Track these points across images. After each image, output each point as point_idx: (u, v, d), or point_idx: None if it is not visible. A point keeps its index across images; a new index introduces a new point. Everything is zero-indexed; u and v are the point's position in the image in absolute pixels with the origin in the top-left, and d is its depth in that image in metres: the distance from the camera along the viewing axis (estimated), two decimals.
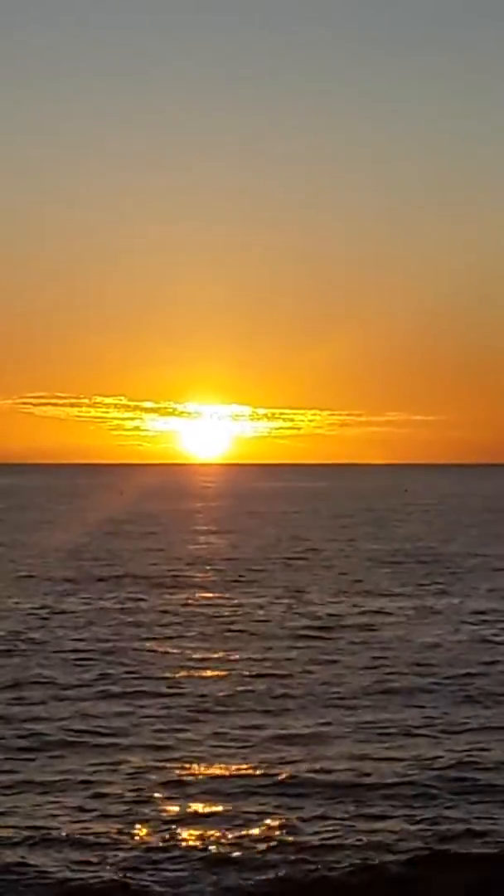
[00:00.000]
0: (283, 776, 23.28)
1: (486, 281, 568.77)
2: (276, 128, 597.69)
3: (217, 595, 52.93)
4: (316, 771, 23.67)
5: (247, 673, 34.01)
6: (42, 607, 47.98)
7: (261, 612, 47.09)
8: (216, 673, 34.15)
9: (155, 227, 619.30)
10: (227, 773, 23.69)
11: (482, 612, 47.22)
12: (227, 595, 52.78)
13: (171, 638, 40.53)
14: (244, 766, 24.01)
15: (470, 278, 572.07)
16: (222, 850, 19.37)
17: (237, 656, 36.78)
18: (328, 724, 27.79)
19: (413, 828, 20.48)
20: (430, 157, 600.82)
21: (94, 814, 21.19)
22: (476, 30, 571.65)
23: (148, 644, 39.12)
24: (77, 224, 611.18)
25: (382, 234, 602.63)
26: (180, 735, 26.65)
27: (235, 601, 50.48)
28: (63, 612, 46.50)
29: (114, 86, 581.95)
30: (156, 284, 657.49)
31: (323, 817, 20.99)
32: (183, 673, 34.08)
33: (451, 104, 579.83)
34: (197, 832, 20.25)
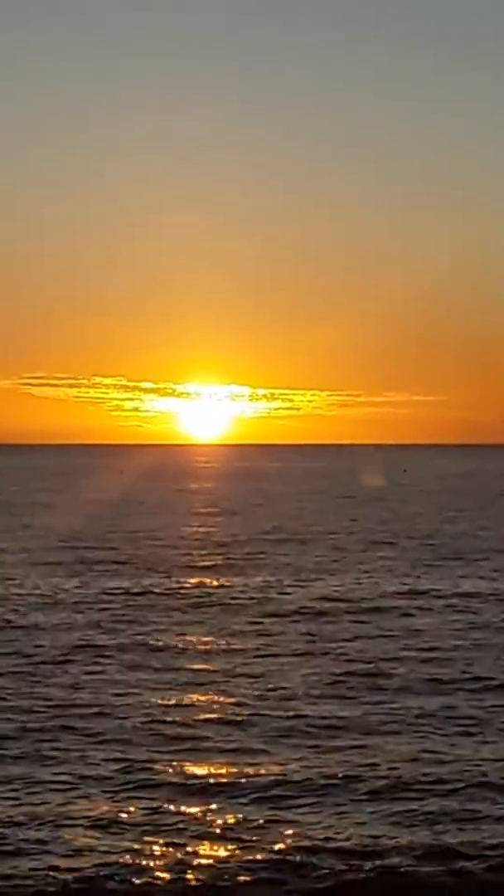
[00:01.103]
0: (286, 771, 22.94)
1: (485, 261, 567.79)
2: (277, 114, 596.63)
3: (220, 577, 52.66)
4: (327, 766, 23.33)
5: (254, 662, 33.68)
6: (42, 590, 47.69)
7: (260, 593, 46.81)
8: (221, 657, 33.85)
9: (155, 210, 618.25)
10: (235, 769, 23.34)
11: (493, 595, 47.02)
12: (229, 576, 52.52)
13: (172, 621, 40.24)
14: (257, 764, 23.62)
15: (469, 258, 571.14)
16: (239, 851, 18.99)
17: (246, 640, 36.49)
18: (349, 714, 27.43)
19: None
20: (430, 138, 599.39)
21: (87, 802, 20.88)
22: (475, 24, 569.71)
23: (150, 626, 38.81)
24: (77, 207, 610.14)
25: (381, 215, 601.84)
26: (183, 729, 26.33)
27: (239, 582, 50.21)
28: (63, 595, 46.20)
29: (115, 73, 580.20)
30: (155, 265, 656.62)
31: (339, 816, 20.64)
32: (186, 660, 33.75)
33: (450, 87, 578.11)
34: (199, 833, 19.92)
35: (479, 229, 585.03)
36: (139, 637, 36.64)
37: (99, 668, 31.95)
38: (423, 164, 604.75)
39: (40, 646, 35.07)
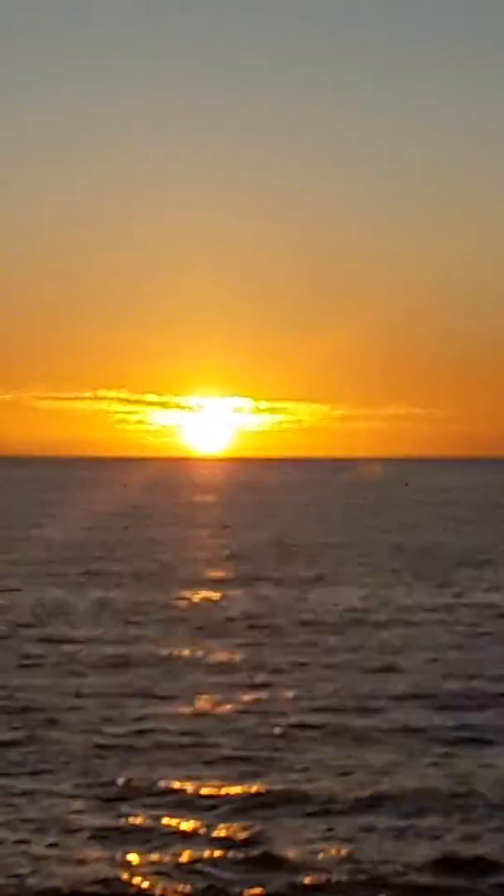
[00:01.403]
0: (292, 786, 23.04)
1: (487, 273, 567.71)
2: (277, 121, 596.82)
3: (223, 590, 52.74)
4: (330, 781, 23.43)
5: (261, 677, 33.79)
6: (44, 603, 47.79)
7: (268, 606, 46.94)
8: (229, 671, 33.97)
9: (157, 220, 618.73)
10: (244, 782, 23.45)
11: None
12: (235, 589, 52.60)
13: (176, 634, 40.36)
14: (258, 777, 23.75)
15: (471, 270, 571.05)
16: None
17: (254, 654, 36.61)
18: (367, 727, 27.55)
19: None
20: (432, 147, 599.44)
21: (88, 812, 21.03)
22: (476, 17, 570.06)
23: (152, 641, 38.94)
24: (79, 217, 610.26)
25: (383, 226, 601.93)
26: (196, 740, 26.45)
27: (244, 596, 50.30)
28: (66, 608, 46.31)
29: (116, 77, 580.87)
30: (157, 278, 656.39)
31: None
32: (190, 673, 33.87)
33: (452, 96, 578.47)
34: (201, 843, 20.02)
35: (481, 242, 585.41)
36: (144, 650, 36.74)
37: (102, 679, 32.08)
38: (428, 174, 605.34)
39: (41, 656, 35.20)
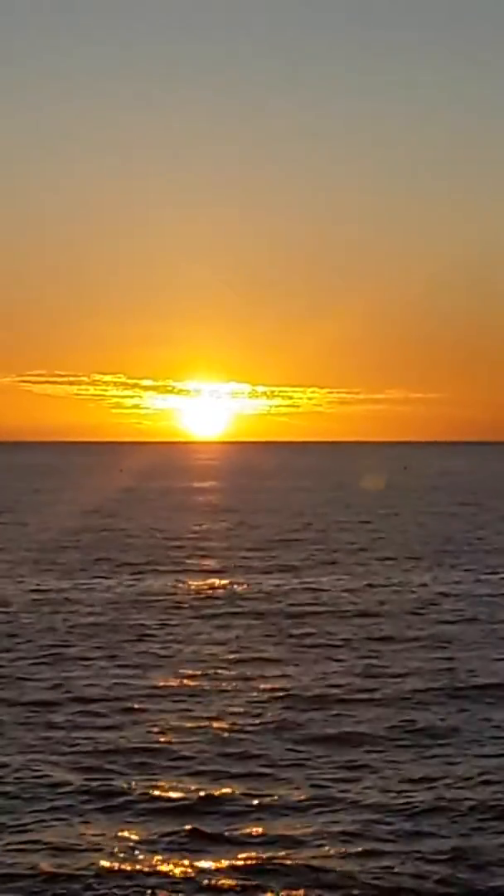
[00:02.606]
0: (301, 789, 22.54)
1: (485, 258, 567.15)
2: (275, 109, 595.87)
3: (218, 577, 52.25)
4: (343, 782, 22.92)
5: (263, 667, 33.27)
6: (42, 590, 47.30)
7: (262, 592, 46.47)
8: (229, 664, 33.46)
9: (154, 207, 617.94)
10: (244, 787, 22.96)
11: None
12: (225, 577, 52.12)
13: (172, 621, 39.87)
14: (275, 785, 23.24)
15: (470, 255, 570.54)
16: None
17: (256, 647, 36.12)
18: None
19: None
20: (431, 134, 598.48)
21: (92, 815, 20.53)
22: (477, 18, 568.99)
23: (148, 627, 38.45)
24: (76, 203, 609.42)
25: (381, 214, 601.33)
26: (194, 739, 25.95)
27: (241, 583, 49.83)
28: (63, 595, 45.81)
29: (115, 70, 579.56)
30: (155, 263, 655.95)
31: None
32: (189, 666, 33.36)
33: (452, 87, 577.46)
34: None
35: (480, 226, 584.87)
36: (140, 638, 36.26)
37: (102, 668, 31.58)
38: (424, 160, 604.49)
39: (44, 646, 34.71)
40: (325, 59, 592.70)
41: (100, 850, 18.51)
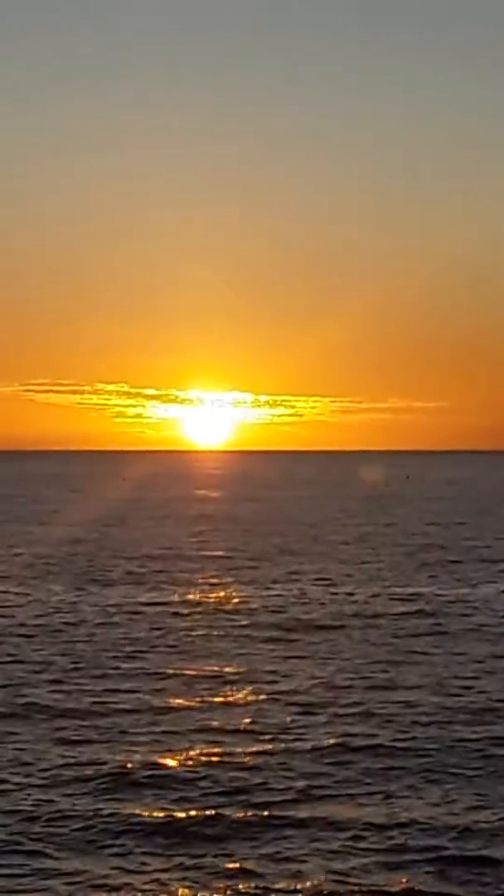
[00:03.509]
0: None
1: (487, 266, 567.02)
2: (275, 109, 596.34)
3: (222, 588, 51.74)
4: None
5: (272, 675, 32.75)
6: (43, 600, 46.79)
7: (270, 603, 45.95)
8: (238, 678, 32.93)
9: (155, 213, 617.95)
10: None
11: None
12: (230, 588, 51.62)
13: (174, 636, 39.37)
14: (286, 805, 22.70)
15: (471, 263, 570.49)
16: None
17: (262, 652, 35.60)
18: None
19: None
20: (431, 135, 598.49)
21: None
22: (477, 11, 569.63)
23: (150, 639, 37.94)
24: (78, 210, 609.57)
25: (382, 221, 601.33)
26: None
27: (244, 593, 49.32)
28: (64, 604, 45.31)
29: (114, 70, 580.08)
30: (157, 271, 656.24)
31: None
32: (200, 680, 32.83)
33: (452, 87, 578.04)
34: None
35: (482, 235, 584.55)
36: (137, 650, 35.75)
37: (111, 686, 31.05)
38: (426, 166, 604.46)
39: (50, 659, 34.18)
40: (325, 60, 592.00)
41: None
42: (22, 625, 40.62)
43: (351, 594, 48.71)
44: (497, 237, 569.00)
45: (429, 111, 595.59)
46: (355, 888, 17.42)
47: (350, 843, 19.12)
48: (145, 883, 17.58)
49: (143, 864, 18.31)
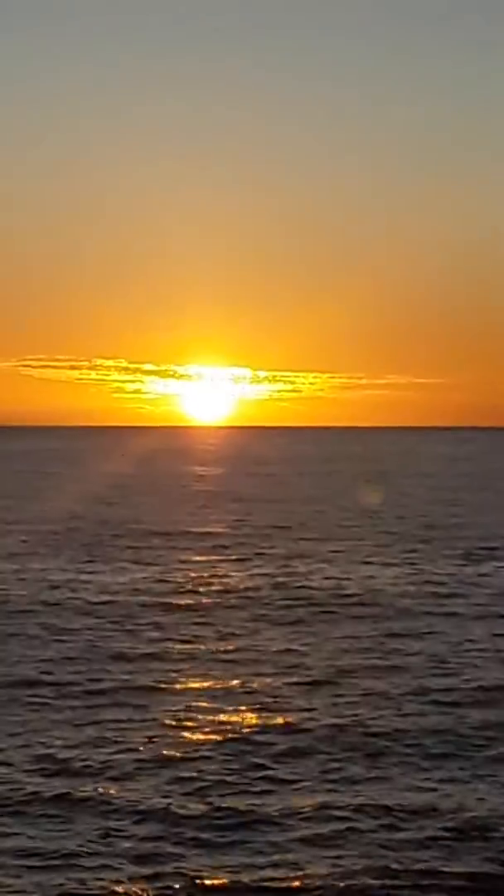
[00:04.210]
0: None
1: (489, 242, 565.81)
2: (278, 86, 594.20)
3: (221, 567, 51.31)
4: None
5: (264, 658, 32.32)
6: (40, 577, 46.36)
7: (263, 585, 45.50)
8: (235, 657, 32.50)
9: (155, 188, 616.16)
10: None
11: None
12: (227, 567, 51.20)
13: (172, 618, 38.95)
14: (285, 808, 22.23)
15: (473, 239, 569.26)
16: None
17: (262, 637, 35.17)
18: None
19: None
20: (434, 114, 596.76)
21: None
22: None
23: (147, 617, 37.52)
24: (75, 185, 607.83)
25: (384, 196, 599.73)
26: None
27: (244, 570, 48.91)
28: (61, 581, 44.88)
29: (114, 45, 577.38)
30: (156, 247, 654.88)
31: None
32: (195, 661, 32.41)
33: (452, 63, 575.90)
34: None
35: (485, 209, 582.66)
36: (135, 627, 35.33)
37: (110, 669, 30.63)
38: (428, 139, 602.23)
39: (50, 636, 33.75)
40: (326, 40, 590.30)
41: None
42: (20, 601, 40.19)
43: (350, 572, 48.27)
44: (499, 214, 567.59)
45: (433, 86, 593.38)
46: (354, 874, 16.98)
47: (350, 826, 18.69)
48: (134, 869, 17.15)
49: (132, 848, 17.89)
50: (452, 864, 17.54)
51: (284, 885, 16.86)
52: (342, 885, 16.79)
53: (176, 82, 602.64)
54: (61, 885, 16.74)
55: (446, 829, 18.72)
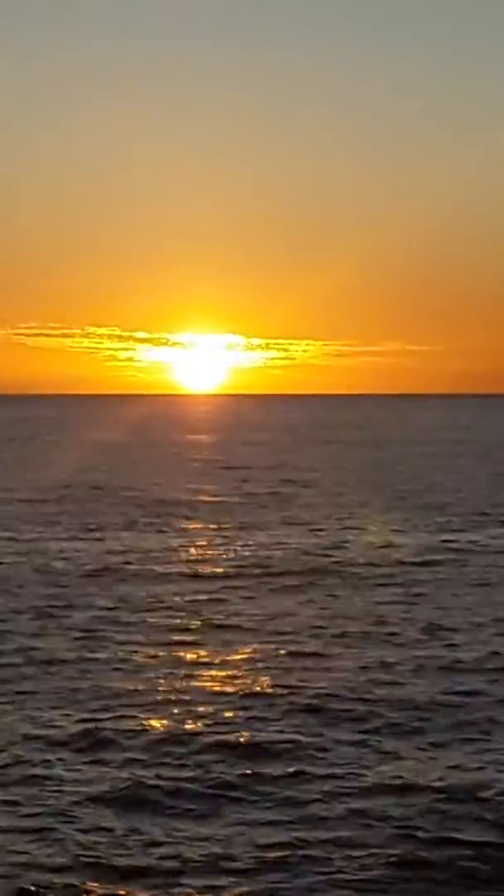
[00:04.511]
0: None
1: (483, 208, 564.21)
2: (276, 49, 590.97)
3: (220, 533, 51.10)
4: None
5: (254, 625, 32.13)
6: (38, 547, 46.13)
7: (254, 553, 45.31)
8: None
9: (148, 154, 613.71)
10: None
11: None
12: (230, 533, 51.00)
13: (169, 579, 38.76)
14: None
15: (468, 207, 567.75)
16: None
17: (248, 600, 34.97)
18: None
19: None
20: (432, 83, 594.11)
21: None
22: None
23: (140, 586, 37.32)
24: (68, 151, 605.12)
25: (380, 162, 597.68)
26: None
27: (239, 539, 48.70)
28: (59, 552, 44.65)
29: (111, 14, 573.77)
30: (150, 214, 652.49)
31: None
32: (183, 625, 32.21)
33: (451, 27, 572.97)
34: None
35: (480, 176, 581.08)
36: (142, 601, 35.15)
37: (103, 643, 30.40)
38: (424, 111, 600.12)
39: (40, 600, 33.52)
40: (322, 7, 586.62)
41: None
42: (13, 570, 39.95)
43: (345, 540, 48.06)
44: (494, 180, 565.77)
45: (428, 51, 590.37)
46: (344, 847, 16.80)
47: (343, 800, 18.51)
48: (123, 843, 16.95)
49: (127, 823, 17.69)
50: (451, 831, 17.38)
51: (275, 854, 16.68)
52: (335, 853, 16.62)
53: (172, 48, 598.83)
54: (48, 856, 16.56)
55: (438, 797, 18.55)
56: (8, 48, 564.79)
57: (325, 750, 20.82)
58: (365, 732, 21.84)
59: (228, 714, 22.92)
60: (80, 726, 21.93)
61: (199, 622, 31.69)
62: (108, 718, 22.51)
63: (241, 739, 21.34)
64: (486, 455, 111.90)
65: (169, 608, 33.69)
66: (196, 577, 39.25)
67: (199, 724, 22.30)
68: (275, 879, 15.91)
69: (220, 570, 40.73)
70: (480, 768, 19.95)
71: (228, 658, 27.55)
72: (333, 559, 42.97)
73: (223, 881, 15.82)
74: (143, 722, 22.35)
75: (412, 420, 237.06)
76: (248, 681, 25.37)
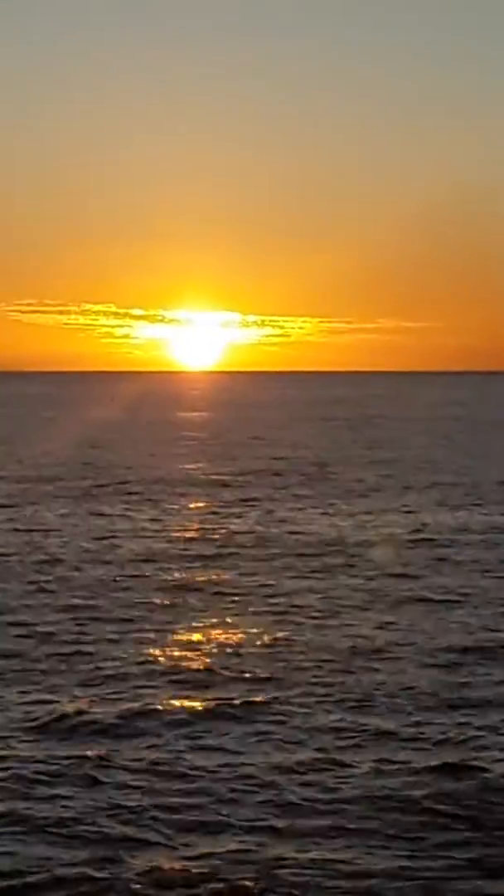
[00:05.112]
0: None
1: (480, 185, 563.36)
2: (277, 27, 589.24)
3: (217, 512, 51.00)
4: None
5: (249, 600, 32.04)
6: (33, 525, 46.04)
7: (256, 529, 45.21)
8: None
9: (145, 130, 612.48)
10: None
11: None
12: (218, 518, 50.90)
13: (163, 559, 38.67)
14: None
15: (465, 184, 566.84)
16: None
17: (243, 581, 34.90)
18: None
19: None
20: (431, 62, 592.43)
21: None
22: None
23: (139, 564, 37.23)
24: (64, 127, 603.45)
25: (379, 141, 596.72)
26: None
27: (237, 517, 48.62)
28: (55, 530, 44.54)
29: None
30: (147, 191, 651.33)
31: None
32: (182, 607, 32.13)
33: (455, 13, 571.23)
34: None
35: (476, 153, 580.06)
36: (121, 574, 35.06)
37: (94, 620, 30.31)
38: (424, 91, 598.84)
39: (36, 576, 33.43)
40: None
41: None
42: (11, 548, 39.85)
43: (347, 519, 47.95)
44: (492, 159, 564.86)
45: (435, 31, 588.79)
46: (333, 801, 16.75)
47: (339, 785, 18.44)
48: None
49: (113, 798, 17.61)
50: (446, 802, 17.32)
51: (269, 822, 16.61)
52: (329, 821, 16.56)
53: (172, 28, 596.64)
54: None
55: (430, 766, 18.50)
56: (5, 26, 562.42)
57: (319, 731, 20.75)
58: (362, 713, 21.76)
59: (221, 694, 22.84)
60: (51, 707, 21.80)
61: (192, 599, 31.59)
62: (91, 698, 22.43)
63: (233, 720, 21.28)
64: (483, 431, 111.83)
65: (160, 587, 33.59)
66: (188, 554, 39.13)
67: (185, 702, 22.24)
68: (269, 865, 15.85)
69: (215, 547, 40.61)
70: (479, 748, 19.90)
71: (221, 637, 27.45)
72: (325, 538, 42.86)
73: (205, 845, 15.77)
74: (142, 701, 22.27)
75: (408, 396, 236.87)
76: (241, 659, 25.28)
